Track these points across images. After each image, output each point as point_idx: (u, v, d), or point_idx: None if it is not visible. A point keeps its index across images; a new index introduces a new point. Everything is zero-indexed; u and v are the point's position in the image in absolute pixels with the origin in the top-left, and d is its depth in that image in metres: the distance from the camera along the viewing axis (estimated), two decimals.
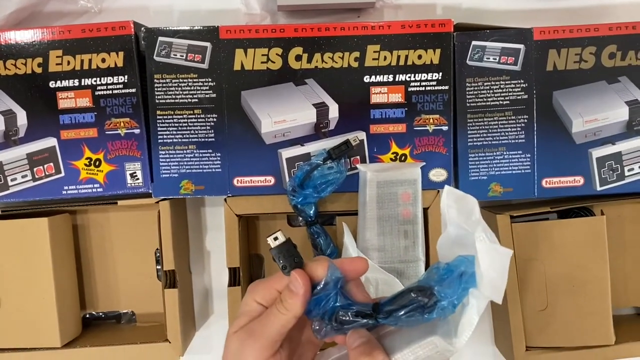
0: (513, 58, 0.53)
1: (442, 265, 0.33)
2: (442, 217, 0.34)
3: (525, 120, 0.53)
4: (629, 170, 0.54)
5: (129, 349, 0.55)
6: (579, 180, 0.54)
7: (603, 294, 0.54)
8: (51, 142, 0.53)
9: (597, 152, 0.53)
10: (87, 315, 0.61)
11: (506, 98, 0.53)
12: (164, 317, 0.56)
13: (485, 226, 0.32)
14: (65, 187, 0.54)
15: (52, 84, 0.53)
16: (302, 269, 0.35)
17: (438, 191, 0.54)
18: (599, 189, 0.54)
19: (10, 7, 0.54)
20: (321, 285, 0.34)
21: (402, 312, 0.33)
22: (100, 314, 0.61)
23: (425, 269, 0.54)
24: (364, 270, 0.36)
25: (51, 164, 0.54)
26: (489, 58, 0.53)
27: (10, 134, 0.53)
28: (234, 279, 0.55)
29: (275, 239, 0.36)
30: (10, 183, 0.54)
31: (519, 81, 0.53)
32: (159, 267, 0.60)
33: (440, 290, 0.32)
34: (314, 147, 0.54)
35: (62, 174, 0.54)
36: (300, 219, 0.60)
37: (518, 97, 0.53)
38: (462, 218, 0.34)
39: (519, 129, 0.54)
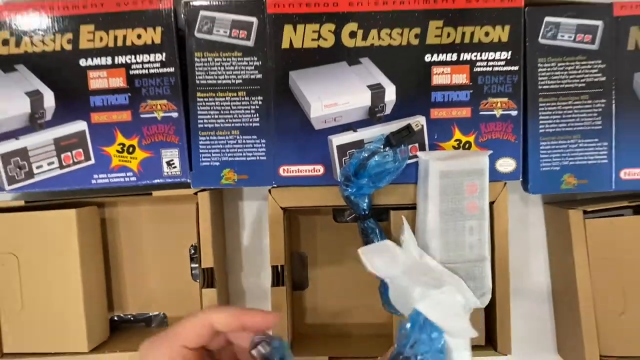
0: (590, 36, 0.48)
1: (405, 325, 0.38)
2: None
3: (603, 105, 0.49)
4: None
5: None
6: None
7: None
8: (81, 126, 0.50)
9: None
10: (115, 318, 0.56)
11: (582, 80, 0.49)
12: None
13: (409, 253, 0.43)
14: (95, 176, 0.50)
15: (82, 62, 0.49)
16: None
17: (505, 183, 0.49)
18: None
19: None
20: None
21: None
22: (129, 316, 0.56)
23: (492, 267, 0.49)
24: (268, 327, 0.34)
25: (80, 150, 0.49)
26: (563, 36, 0.48)
27: (37, 117, 0.49)
28: (278, 278, 0.50)
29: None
30: (35, 171, 0.49)
31: (597, 62, 0.48)
32: (193, 265, 0.55)
33: (417, 352, 0.37)
34: (368, 134, 0.49)
35: (92, 161, 0.50)
36: (349, 212, 0.55)
37: (595, 80, 0.49)
38: (389, 267, 0.42)
39: (595, 114, 0.49)
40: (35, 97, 0.49)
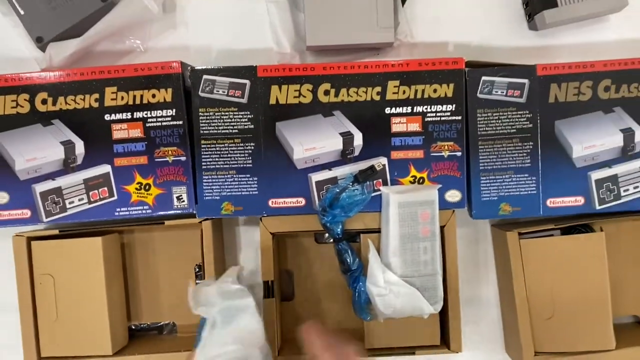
0: (519, 91, 0.59)
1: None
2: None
3: (531, 147, 0.59)
4: (624, 191, 0.60)
5: (172, 356, 0.60)
6: (580, 200, 0.60)
7: (603, 302, 0.59)
8: (106, 168, 0.59)
9: (595, 175, 0.59)
10: (132, 327, 0.66)
11: (513, 127, 0.59)
12: None
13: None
14: (118, 209, 0.60)
15: (107, 117, 0.59)
16: None
17: (453, 211, 0.60)
18: (597, 207, 0.60)
19: (70, 49, 0.60)
20: None
21: None
22: (144, 325, 0.66)
23: (444, 280, 0.59)
24: None
25: (105, 188, 0.60)
26: (497, 91, 0.59)
27: (69, 162, 0.59)
28: (268, 291, 0.61)
29: None
30: (68, 206, 0.60)
31: (525, 112, 0.59)
32: (198, 281, 0.66)
33: None
34: (341, 172, 0.60)
35: (115, 197, 0.60)
36: (327, 236, 0.66)
37: (524, 126, 0.59)
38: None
39: (525, 154, 0.60)
40: (68, 146, 0.59)
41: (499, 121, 0.59)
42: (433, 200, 0.59)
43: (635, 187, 0.60)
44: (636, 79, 0.59)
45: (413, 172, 0.60)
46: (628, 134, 0.59)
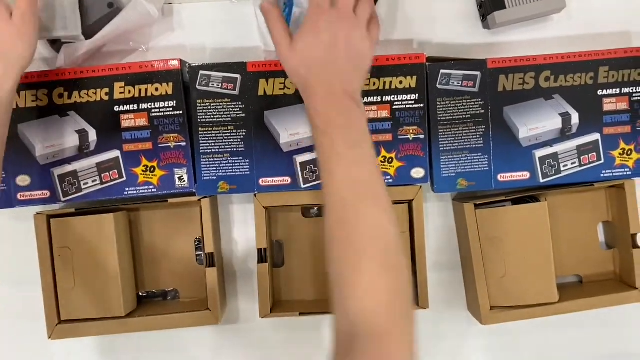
0: (472, 82, 0.69)
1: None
2: None
3: (483, 130, 0.69)
4: (564, 166, 0.70)
5: (178, 316, 0.69)
6: (526, 175, 0.69)
7: (547, 262, 0.69)
8: (116, 153, 0.68)
9: (539, 153, 0.69)
10: (140, 294, 0.75)
11: (468, 113, 0.69)
12: (204, 292, 0.70)
13: None
14: (127, 189, 0.68)
15: (116, 108, 0.67)
16: None
17: (420, 186, 0.69)
18: (541, 181, 0.69)
19: (81, 50, 0.68)
20: None
21: None
22: (150, 292, 0.75)
23: (412, 248, 0.69)
24: None
25: (115, 170, 0.68)
26: (453, 82, 0.68)
27: (84, 148, 0.68)
28: (262, 258, 0.70)
29: None
30: (82, 187, 0.68)
31: (477, 100, 0.69)
32: (198, 253, 0.74)
33: None
34: None
35: (124, 179, 0.68)
36: (313, 210, 0.75)
37: (477, 112, 0.69)
38: None
39: (478, 136, 0.69)
40: (82, 134, 0.67)
41: (456, 108, 0.69)
42: None
43: (572, 163, 0.70)
44: (572, 70, 0.69)
45: (383, 152, 0.69)
46: (566, 117, 0.69)
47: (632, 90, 0.69)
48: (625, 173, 0.70)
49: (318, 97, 0.54)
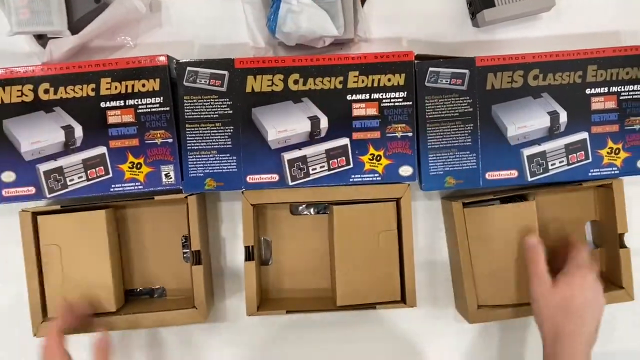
0: (461, 80, 0.68)
1: None
2: None
3: (471, 128, 0.69)
4: (552, 165, 0.70)
5: (164, 314, 0.68)
6: (514, 173, 0.69)
7: None
8: (102, 150, 0.67)
9: (527, 151, 0.69)
10: (127, 291, 0.74)
11: (456, 111, 0.69)
12: (191, 290, 0.69)
13: None
14: (113, 186, 0.68)
15: (102, 104, 0.67)
16: None
17: (408, 185, 0.69)
18: (529, 179, 0.69)
19: (68, 45, 0.68)
20: None
21: None
22: (138, 289, 0.74)
23: (400, 246, 0.69)
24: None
25: (102, 167, 0.67)
26: (442, 80, 0.68)
27: (69, 144, 0.67)
28: (249, 255, 0.69)
29: None
30: (68, 183, 0.67)
31: (466, 98, 0.69)
32: (185, 251, 0.74)
33: None
34: (310, 151, 0.68)
35: (110, 175, 0.67)
36: (302, 208, 0.75)
37: (465, 110, 0.69)
38: None
39: (466, 134, 0.69)
40: (68, 130, 0.67)
41: (444, 106, 0.69)
42: None
43: (560, 162, 0.70)
44: (560, 69, 0.69)
45: (372, 150, 0.69)
46: (554, 116, 0.69)
47: (620, 89, 0.69)
48: (613, 172, 0.70)
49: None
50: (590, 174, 0.70)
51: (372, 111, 0.68)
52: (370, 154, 0.69)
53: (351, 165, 0.69)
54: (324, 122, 0.68)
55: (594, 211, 0.76)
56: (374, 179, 0.69)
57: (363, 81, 0.68)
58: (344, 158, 0.69)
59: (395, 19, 0.75)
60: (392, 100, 0.68)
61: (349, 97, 0.68)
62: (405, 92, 0.68)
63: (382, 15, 0.75)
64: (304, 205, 0.75)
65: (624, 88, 0.70)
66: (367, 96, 0.68)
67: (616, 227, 0.70)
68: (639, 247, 0.71)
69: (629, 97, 0.70)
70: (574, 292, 0.63)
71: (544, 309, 0.64)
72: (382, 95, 0.68)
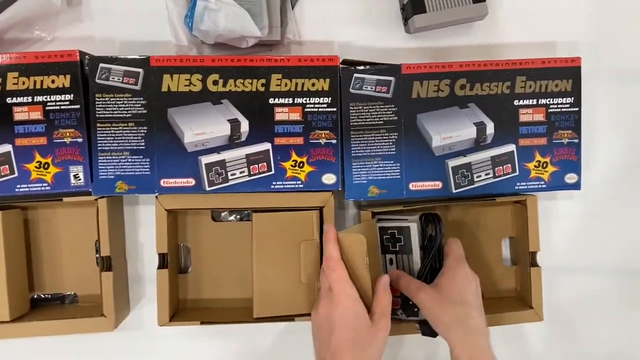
0: (386, 87, 0.67)
1: None
2: None
3: (396, 137, 0.67)
4: (477, 177, 0.68)
5: (70, 322, 0.65)
6: (439, 184, 0.68)
7: None
8: (7, 147, 0.63)
9: (452, 163, 0.67)
10: (35, 297, 0.71)
11: (381, 119, 0.67)
12: (100, 297, 0.66)
13: None
14: (18, 186, 0.64)
15: (9, 100, 0.63)
16: None
17: (332, 193, 0.67)
18: (454, 191, 0.68)
19: None
20: None
21: None
22: (47, 295, 0.71)
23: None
24: None
25: (6, 166, 0.64)
26: (367, 87, 0.66)
27: None
28: (163, 262, 0.66)
29: None
30: None
31: (391, 106, 0.67)
32: (97, 255, 0.71)
33: None
34: (229, 155, 0.66)
35: (16, 175, 0.64)
36: (224, 215, 0.72)
37: (390, 119, 0.67)
38: None
39: (390, 143, 0.67)
40: None
41: (369, 114, 0.67)
42: None
43: (486, 174, 0.68)
44: (488, 79, 0.67)
45: (294, 156, 0.67)
46: (480, 127, 0.68)
47: (549, 101, 0.68)
48: (540, 186, 0.69)
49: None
50: (516, 187, 0.69)
51: (296, 116, 0.66)
52: (293, 161, 0.67)
53: (273, 172, 0.66)
54: (244, 126, 0.66)
55: (512, 228, 0.74)
56: (296, 186, 0.67)
57: (286, 85, 0.66)
58: (265, 164, 0.67)
59: (328, 22, 0.73)
60: (317, 105, 0.66)
61: (271, 101, 0.66)
62: (330, 98, 0.66)
63: (314, 18, 0.73)
64: (226, 212, 0.72)
65: (553, 100, 0.68)
66: (291, 100, 0.66)
67: (528, 245, 0.69)
68: (560, 264, 0.70)
69: (558, 110, 0.69)
70: (462, 284, 0.62)
71: (442, 315, 0.61)
72: (306, 100, 0.66)
